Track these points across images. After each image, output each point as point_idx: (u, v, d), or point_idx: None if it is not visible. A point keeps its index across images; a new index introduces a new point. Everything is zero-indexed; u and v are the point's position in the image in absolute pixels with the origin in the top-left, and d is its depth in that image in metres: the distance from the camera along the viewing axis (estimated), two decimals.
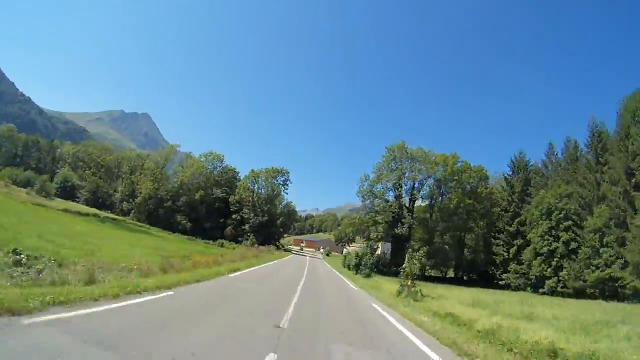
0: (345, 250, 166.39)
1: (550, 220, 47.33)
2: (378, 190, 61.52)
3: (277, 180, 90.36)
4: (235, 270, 23.76)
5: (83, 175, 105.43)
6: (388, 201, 60.48)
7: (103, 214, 72.07)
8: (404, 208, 60.40)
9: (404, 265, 23.39)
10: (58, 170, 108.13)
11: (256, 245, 76.18)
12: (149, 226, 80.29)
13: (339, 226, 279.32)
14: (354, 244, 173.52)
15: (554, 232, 46.87)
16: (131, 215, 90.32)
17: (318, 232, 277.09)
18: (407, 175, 60.58)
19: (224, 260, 29.40)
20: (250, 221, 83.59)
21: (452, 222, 59.76)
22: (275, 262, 44.98)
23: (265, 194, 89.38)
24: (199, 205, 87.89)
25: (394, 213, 58.21)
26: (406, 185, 61.52)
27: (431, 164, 59.61)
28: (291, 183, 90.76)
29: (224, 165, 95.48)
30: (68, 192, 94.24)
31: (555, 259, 45.72)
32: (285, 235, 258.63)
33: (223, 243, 75.49)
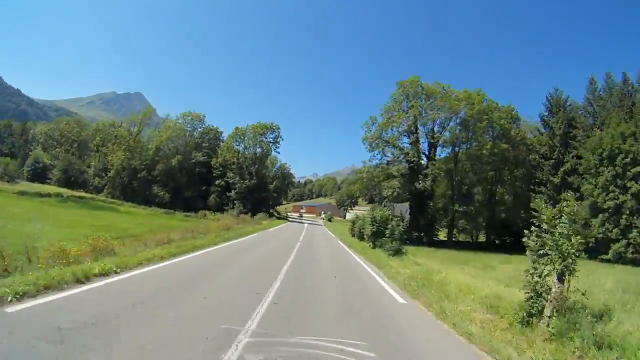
0: (348, 214, 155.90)
1: (614, 166, 35.14)
2: (389, 136, 48.32)
3: (266, 138, 77.12)
4: (175, 255, 13.87)
5: (55, 154, 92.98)
6: (402, 149, 47.53)
7: (69, 192, 63.04)
8: (423, 155, 47.72)
9: None
10: (31, 153, 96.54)
11: (243, 214, 64.57)
12: (121, 202, 68.74)
13: (339, 189, 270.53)
14: (357, 207, 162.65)
15: (619, 182, 34.77)
16: (104, 191, 78.21)
17: (318, 197, 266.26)
18: (423, 115, 47.36)
19: (188, 237, 22.30)
20: (236, 186, 71.21)
21: (482, 173, 47.55)
22: (256, 234, 32.78)
23: (252, 154, 76.39)
24: (178, 173, 75.35)
25: (411, 162, 45.60)
26: (424, 128, 48.47)
27: (453, 100, 46.29)
28: (282, 140, 77.69)
29: (204, 126, 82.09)
30: (39, 174, 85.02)
31: (624, 216, 33.94)
32: (284, 202, 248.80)
33: (205, 214, 63.83)
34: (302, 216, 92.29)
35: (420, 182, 43.71)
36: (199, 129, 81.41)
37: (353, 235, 40.90)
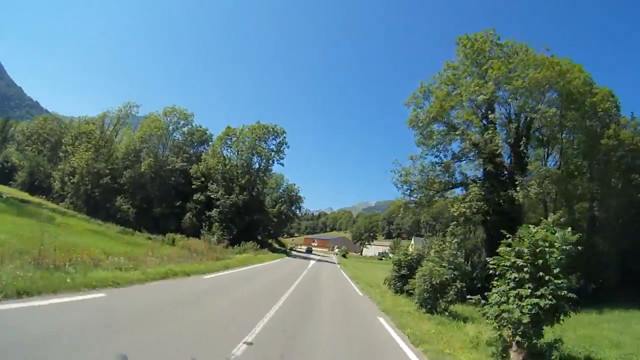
0: (365, 249, 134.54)
1: None
2: (454, 115, 28.44)
3: (267, 144, 58.63)
4: None
5: (26, 154, 77.63)
6: (472, 138, 27.29)
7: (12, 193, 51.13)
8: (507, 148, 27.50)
9: None
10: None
11: (226, 241, 45.65)
12: (74, 213, 51.14)
13: (354, 223, 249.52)
14: (375, 242, 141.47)
15: None
16: (66, 200, 60.62)
17: (332, 230, 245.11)
18: (500, 92, 27.71)
19: None
20: (219, 202, 52.30)
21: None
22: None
23: (246, 162, 57.62)
24: (149, 183, 57.11)
25: (492, 160, 25.96)
26: (503, 109, 28.68)
27: (546, 68, 26.71)
28: (288, 147, 58.81)
29: (191, 126, 64.14)
30: (7, 175, 71.70)
31: None
32: (295, 234, 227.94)
33: (174, 239, 45.33)
34: (311, 250, 73.03)
35: (509, 192, 23.83)
36: (185, 130, 63.44)
37: (392, 288, 21.44)
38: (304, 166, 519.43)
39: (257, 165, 57.38)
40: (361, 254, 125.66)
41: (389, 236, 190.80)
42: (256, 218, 52.57)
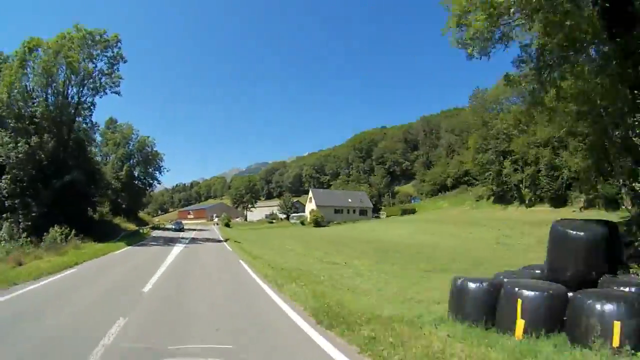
0: (250, 213, 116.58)
1: None
2: None
3: (96, 62, 35.07)
4: None
5: None
6: None
7: None
8: None
9: None
10: None
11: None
12: None
13: (229, 188, 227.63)
14: (258, 204, 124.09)
15: None
16: None
17: (207, 199, 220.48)
18: None
19: None
20: (9, 156, 28.76)
21: None
22: None
23: (52, 90, 33.45)
24: None
25: None
26: None
27: None
28: (125, 62, 36.03)
29: None
30: None
31: None
32: (170, 210, 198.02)
33: None
34: (181, 227, 51.55)
35: None
36: None
37: None
38: (174, 135, 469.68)
39: (74, 98, 33.97)
40: (246, 220, 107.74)
41: (269, 196, 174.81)
42: (77, 178, 30.15)
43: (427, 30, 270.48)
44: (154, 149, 57.59)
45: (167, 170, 57.46)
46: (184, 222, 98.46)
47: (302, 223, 76.76)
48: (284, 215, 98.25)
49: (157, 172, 58.55)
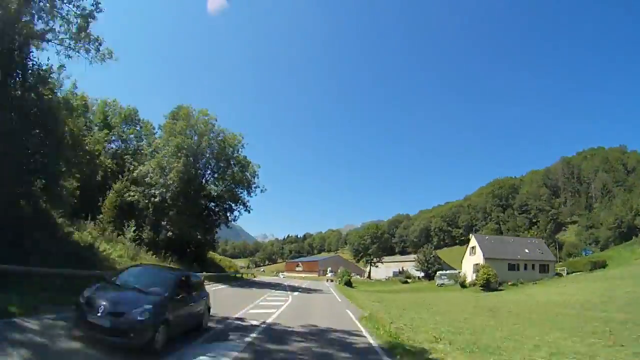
0: (373, 268, 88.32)
1: None
2: None
3: None
4: None
5: None
6: None
7: None
8: None
9: None
10: None
11: None
12: None
13: (345, 243, 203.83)
14: (385, 258, 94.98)
15: None
16: None
17: (320, 252, 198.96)
18: None
19: None
20: None
21: None
22: None
23: None
24: None
25: None
26: None
27: None
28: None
29: None
30: None
31: None
32: (278, 260, 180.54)
33: None
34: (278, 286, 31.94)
35: None
36: None
37: None
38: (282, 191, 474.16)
39: None
40: (369, 277, 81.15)
41: (390, 251, 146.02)
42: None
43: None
44: (243, 155, 36.36)
45: (262, 191, 34.41)
46: (287, 274, 75.95)
47: (463, 285, 47.94)
48: (422, 273, 69.81)
49: (244, 192, 36.68)
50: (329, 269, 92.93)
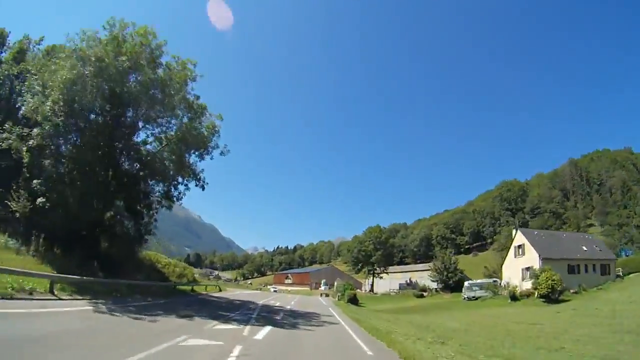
0: (377, 280, 69.87)
1: None
2: None
3: None
4: None
5: None
6: None
7: None
8: None
9: None
10: None
11: None
12: None
13: (338, 255, 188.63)
14: (390, 268, 77.36)
15: None
16: None
17: (311, 264, 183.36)
18: None
19: None
20: None
21: None
22: None
23: None
24: None
25: None
26: None
27: None
28: None
29: None
30: None
31: None
32: (268, 273, 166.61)
33: None
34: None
35: None
36: None
37: None
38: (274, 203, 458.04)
39: None
40: (371, 291, 66.87)
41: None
42: None
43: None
44: (195, 95, 22.64)
45: (222, 153, 20.35)
46: (275, 287, 62.97)
47: (514, 297, 34.28)
48: (437, 285, 56.06)
49: (195, 157, 22.90)
50: (323, 281, 78.51)
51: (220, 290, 36.95)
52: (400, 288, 66.42)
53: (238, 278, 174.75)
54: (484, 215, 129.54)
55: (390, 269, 74.32)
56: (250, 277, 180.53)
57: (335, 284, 64.44)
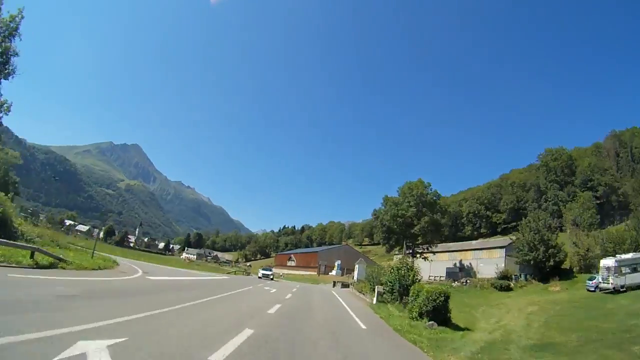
0: (416, 261, 49.88)
1: None
2: None
3: None
4: None
5: None
6: None
7: None
8: None
9: None
10: None
11: None
12: None
13: (349, 236, 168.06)
14: (459, 244, 53.32)
15: None
16: None
17: (320, 245, 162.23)
18: None
19: None
20: None
21: None
22: None
23: None
24: None
25: None
26: None
27: None
28: None
29: None
30: None
31: None
32: (271, 254, 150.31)
33: None
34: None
35: None
36: None
37: None
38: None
39: None
40: (388, 270, 44.98)
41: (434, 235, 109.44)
42: None
43: None
44: None
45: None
46: (276, 270, 41.79)
47: None
48: (525, 269, 34.54)
49: None
50: (337, 263, 57.40)
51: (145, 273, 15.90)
52: (447, 275, 45.21)
53: (240, 259, 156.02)
54: (525, 189, 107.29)
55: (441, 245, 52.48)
56: (252, 258, 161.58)
57: (357, 267, 43.30)
